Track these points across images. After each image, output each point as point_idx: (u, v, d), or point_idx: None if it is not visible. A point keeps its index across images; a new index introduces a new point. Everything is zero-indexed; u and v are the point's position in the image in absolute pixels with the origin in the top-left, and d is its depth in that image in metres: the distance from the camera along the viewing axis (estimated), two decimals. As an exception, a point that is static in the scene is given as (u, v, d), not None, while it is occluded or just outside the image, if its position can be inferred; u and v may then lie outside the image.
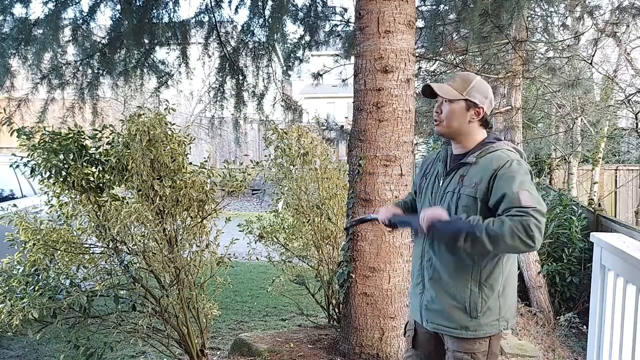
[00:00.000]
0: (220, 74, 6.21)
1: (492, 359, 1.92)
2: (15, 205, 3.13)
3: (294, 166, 4.18)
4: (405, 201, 2.30)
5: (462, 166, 1.90)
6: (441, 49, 6.53)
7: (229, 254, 3.34)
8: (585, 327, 5.95)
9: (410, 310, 2.13)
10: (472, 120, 1.92)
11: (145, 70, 6.01)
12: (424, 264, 1.98)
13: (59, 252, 2.87)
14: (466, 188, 1.84)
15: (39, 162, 2.82)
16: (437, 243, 1.90)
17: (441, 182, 1.96)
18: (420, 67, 7.32)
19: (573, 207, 7.82)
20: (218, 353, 3.78)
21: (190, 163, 3.11)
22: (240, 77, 6.16)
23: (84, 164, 2.87)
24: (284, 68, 7.57)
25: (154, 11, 5.55)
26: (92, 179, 2.92)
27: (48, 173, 2.84)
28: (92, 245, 3.00)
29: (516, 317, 6.02)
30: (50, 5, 5.15)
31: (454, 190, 1.88)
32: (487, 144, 1.91)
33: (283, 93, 6.83)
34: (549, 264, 7.26)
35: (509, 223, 1.64)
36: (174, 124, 3.06)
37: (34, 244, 2.82)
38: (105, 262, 3.01)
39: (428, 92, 1.97)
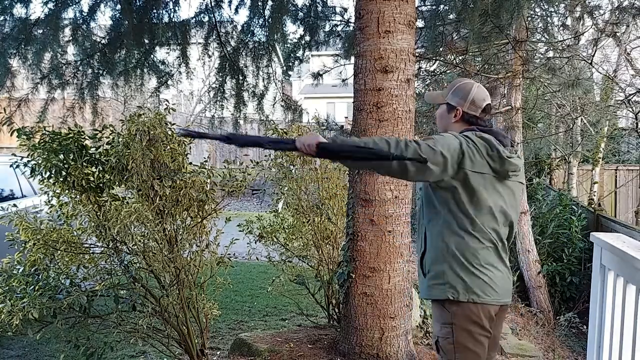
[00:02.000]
0: (220, 74, 6.21)
1: (458, 333, 1.97)
2: (15, 205, 3.13)
3: (294, 166, 4.18)
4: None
5: None
6: (441, 49, 6.53)
7: (229, 254, 3.34)
8: (585, 327, 5.95)
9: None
10: (453, 121, 2.13)
11: (145, 70, 6.01)
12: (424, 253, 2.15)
13: (59, 252, 2.87)
14: None
15: (39, 162, 2.82)
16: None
17: None
18: (420, 67, 7.32)
19: (573, 207, 7.83)
20: (218, 353, 3.78)
21: (190, 163, 3.12)
22: (240, 77, 6.16)
23: (84, 164, 2.87)
24: (284, 68, 7.58)
25: (154, 11, 5.55)
26: (92, 179, 2.92)
27: (48, 173, 2.84)
28: (92, 245, 3.00)
29: (514, 315, 6.02)
30: (50, 5, 5.15)
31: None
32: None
33: (283, 93, 6.83)
34: (549, 264, 7.26)
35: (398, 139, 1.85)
36: (174, 124, 3.06)
37: (34, 244, 2.82)
38: (105, 262, 3.01)
39: None
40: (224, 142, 2.07)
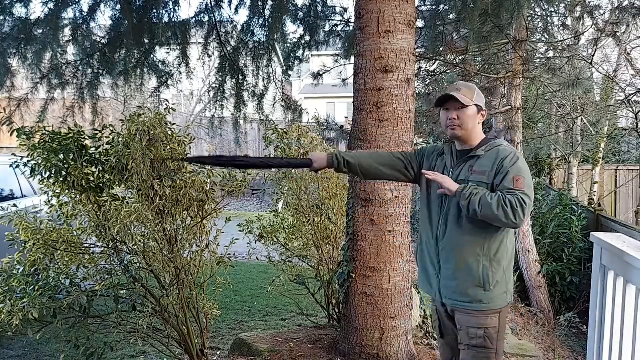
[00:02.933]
0: (220, 74, 6.20)
1: (502, 333, 2.22)
2: (15, 205, 3.13)
3: (294, 166, 4.17)
4: (353, 156, 2.44)
5: (470, 159, 2.25)
6: (441, 49, 6.53)
7: (229, 254, 3.34)
8: (585, 327, 5.95)
9: (429, 295, 2.45)
10: (479, 122, 2.28)
11: (145, 70, 6.00)
12: (439, 247, 2.27)
13: (59, 252, 2.86)
14: (477, 175, 2.19)
15: (39, 162, 2.82)
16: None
17: (451, 173, 2.28)
18: (420, 67, 7.32)
19: (573, 207, 7.83)
20: (218, 353, 3.78)
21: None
22: (240, 77, 6.15)
23: (84, 163, 2.87)
24: (284, 68, 7.58)
25: (154, 11, 5.55)
26: (92, 178, 2.92)
27: (48, 173, 2.84)
28: (92, 245, 3.00)
29: (514, 315, 6.02)
30: (50, 5, 5.15)
31: (465, 178, 2.21)
32: (491, 140, 2.27)
33: (283, 93, 6.82)
34: (549, 264, 7.26)
35: (500, 196, 2.06)
36: (174, 124, 3.06)
37: (34, 244, 2.82)
38: (106, 262, 3.00)
39: (440, 101, 2.30)
40: (237, 168, 2.29)
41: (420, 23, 6.11)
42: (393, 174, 2.43)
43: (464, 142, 2.28)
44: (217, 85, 6.22)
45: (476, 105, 2.25)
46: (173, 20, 5.72)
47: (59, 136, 2.85)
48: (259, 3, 5.86)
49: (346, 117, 16.86)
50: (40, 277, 2.83)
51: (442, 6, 6.09)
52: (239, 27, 6.25)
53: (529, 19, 6.59)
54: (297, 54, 7.03)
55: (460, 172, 2.25)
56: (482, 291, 2.17)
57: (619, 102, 9.63)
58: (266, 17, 5.93)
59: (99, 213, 2.91)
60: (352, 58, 3.90)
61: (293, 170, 4.15)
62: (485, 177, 2.18)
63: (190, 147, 3.15)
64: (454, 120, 2.24)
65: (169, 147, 2.96)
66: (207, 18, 6.01)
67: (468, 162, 2.25)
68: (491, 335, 2.17)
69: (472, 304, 2.19)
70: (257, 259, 4.22)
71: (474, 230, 2.17)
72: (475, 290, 2.17)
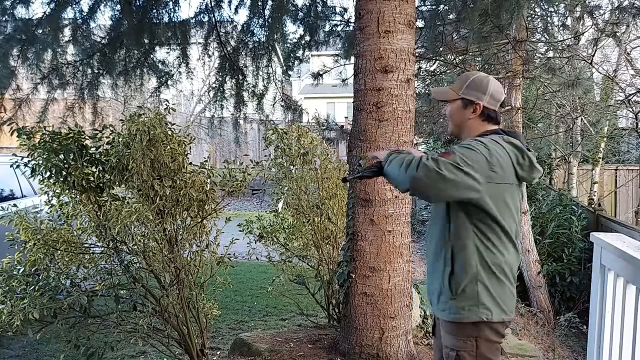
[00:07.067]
0: (220, 74, 6.20)
1: (484, 345, 1.90)
2: (15, 205, 3.13)
3: (294, 166, 4.18)
4: None
5: None
6: (441, 49, 6.53)
7: (229, 254, 3.34)
8: (585, 327, 5.95)
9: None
10: (471, 117, 2.00)
11: (145, 70, 6.00)
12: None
13: (59, 252, 2.87)
14: None
15: (40, 162, 2.82)
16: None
17: None
18: (420, 67, 7.32)
19: (573, 207, 7.83)
20: (218, 353, 3.78)
21: (191, 163, 3.12)
22: (240, 77, 6.15)
23: (84, 163, 2.87)
24: (284, 68, 7.57)
25: (154, 11, 5.55)
26: (92, 178, 2.92)
27: (48, 173, 2.84)
28: (92, 245, 3.00)
29: (514, 316, 6.02)
30: (51, 5, 5.15)
31: None
32: (487, 135, 1.95)
33: (283, 93, 6.82)
34: (549, 264, 7.26)
35: (419, 157, 1.78)
36: (174, 124, 3.06)
37: (34, 244, 2.82)
38: (106, 262, 3.01)
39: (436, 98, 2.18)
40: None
41: (420, 23, 6.11)
42: None
43: (457, 136, 2.12)
44: (217, 85, 6.22)
45: (462, 98, 2.00)
46: (173, 20, 5.72)
47: (59, 136, 2.85)
48: (259, 3, 5.86)
49: (346, 117, 16.86)
50: (40, 277, 2.84)
51: (442, 6, 6.08)
52: (239, 27, 6.25)
53: (529, 19, 6.59)
54: (297, 54, 7.03)
55: None
56: (446, 298, 1.93)
57: (619, 102, 9.62)
58: (266, 17, 5.93)
59: (99, 213, 2.91)
60: (352, 58, 3.90)
61: (293, 170, 4.16)
62: None
63: (190, 147, 3.15)
64: (446, 116, 2.14)
65: (169, 147, 2.96)
66: (207, 18, 6.01)
67: None
68: (465, 358, 1.89)
69: (442, 312, 1.97)
70: (257, 259, 4.23)
71: (440, 232, 1.96)
72: (443, 297, 1.95)
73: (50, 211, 3.05)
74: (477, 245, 1.88)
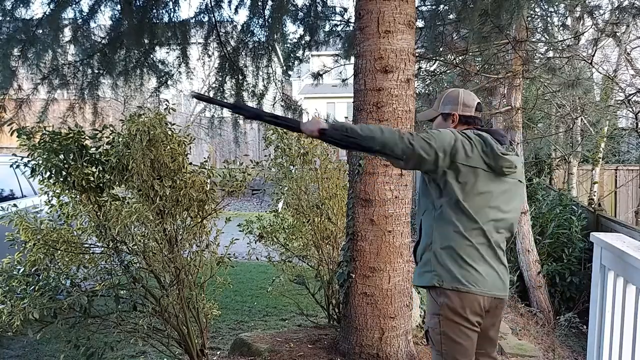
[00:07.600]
0: (220, 74, 6.20)
1: (449, 344, 2.06)
2: (15, 205, 3.13)
3: (294, 166, 4.18)
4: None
5: None
6: (441, 49, 6.53)
7: (229, 254, 3.34)
8: (585, 327, 5.95)
9: None
10: (454, 125, 2.27)
11: (145, 70, 5.99)
12: None
13: (59, 252, 2.87)
14: None
15: (40, 162, 2.82)
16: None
17: None
18: (420, 67, 7.32)
19: (573, 207, 7.83)
20: (218, 353, 3.78)
21: (190, 163, 3.12)
22: (240, 77, 6.15)
23: (84, 164, 2.88)
24: (284, 68, 7.57)
25: (154, 11, 5.55)
26: (92, 179, 2.92)
27: (48, 173, 2.84)
28: (92, 245, 3.00)
29: (514, 315, 6.02)
30: (51, 5, 5.15)
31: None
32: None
33: (283, 93, 6.81)
34: (549, 264, 7.26)
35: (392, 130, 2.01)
36: (174, 124, 3.06)
37: (34, 244, 2.82)
38: (106, 262, 3.01)
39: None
40: (231, 109, 2.55)
41: (420, 23, 6.11)
42: None
43: None
44: (217, 85, 6.22)
45: (441, 114, 2.31)
46: (173, 20, 5.72)
47: (59, 136, 2.85)
48: (259, 3, 5.86)
49: (346, 117, 16.87)
50: (40, 277, 2.84)
51: (442, 6, 6.08)
52: (239, 27, 6.25)
53: (529, 19, 6.59)
54: (297, 54, 7.03)
55: None
56: (415, 266, 2.24)
57: (619, 102, 9.63)
58: (266, 17, 5.93)
59: (99, 213, 2.91)
60: (352, 58, 3.90)
61: (293, 170, 4.16)
62: None
63: (190, 147, 3.15)
64: None
65: (169, 147, 2.96)
66: (207, 18, 6.01)
67: None
68: (433, 336, 2.12)
69: (413, 279, 2.28)
70: (257, 259, 4.23)
71: (429, 215, 2.17)
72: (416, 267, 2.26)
73: (50, 211, 3.05)
74: (437, 221, 2.11)
